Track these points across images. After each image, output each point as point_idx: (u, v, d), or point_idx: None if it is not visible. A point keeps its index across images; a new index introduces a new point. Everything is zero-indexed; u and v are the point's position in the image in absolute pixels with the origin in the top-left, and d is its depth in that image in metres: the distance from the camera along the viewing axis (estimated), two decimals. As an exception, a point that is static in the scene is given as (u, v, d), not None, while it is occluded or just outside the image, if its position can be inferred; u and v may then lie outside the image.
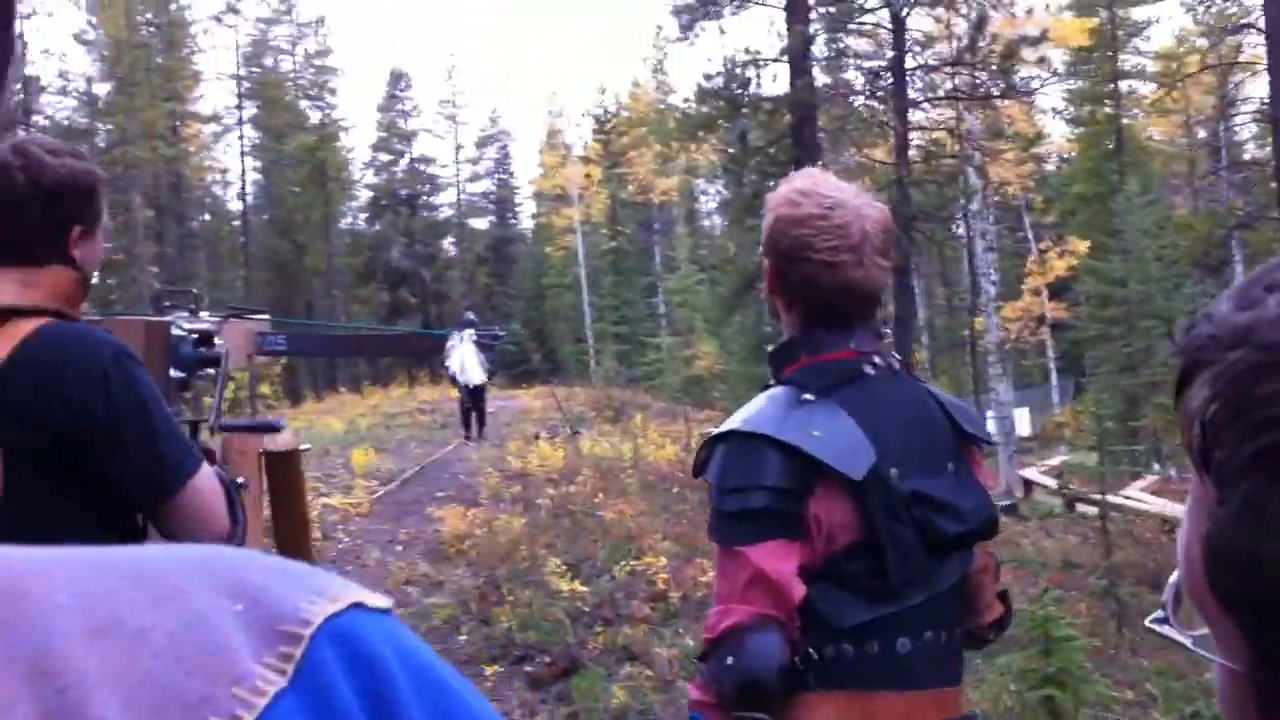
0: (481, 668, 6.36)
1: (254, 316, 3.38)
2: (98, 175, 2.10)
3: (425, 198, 55.50)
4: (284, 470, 3.22)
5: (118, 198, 36.04)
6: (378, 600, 0.50)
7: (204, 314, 3.03)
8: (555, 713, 5.97)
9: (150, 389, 1.99)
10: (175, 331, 2.61)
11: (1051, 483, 15.79)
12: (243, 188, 44.78)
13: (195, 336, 2.68)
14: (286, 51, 47.29)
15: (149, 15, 39.30)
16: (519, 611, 7.35)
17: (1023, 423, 27.89)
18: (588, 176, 49.06)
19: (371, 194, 53.90)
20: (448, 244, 57.18)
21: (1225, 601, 0.54)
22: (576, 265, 47.10)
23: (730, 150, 16.91)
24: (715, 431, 1.95)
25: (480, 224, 59.89)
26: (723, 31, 19.02)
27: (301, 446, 3.36)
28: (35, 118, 33.51)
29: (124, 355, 1.97)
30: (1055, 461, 20.71)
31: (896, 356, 2.01)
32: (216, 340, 2.78)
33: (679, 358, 25.02)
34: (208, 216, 46.58)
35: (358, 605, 0.48)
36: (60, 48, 53.66)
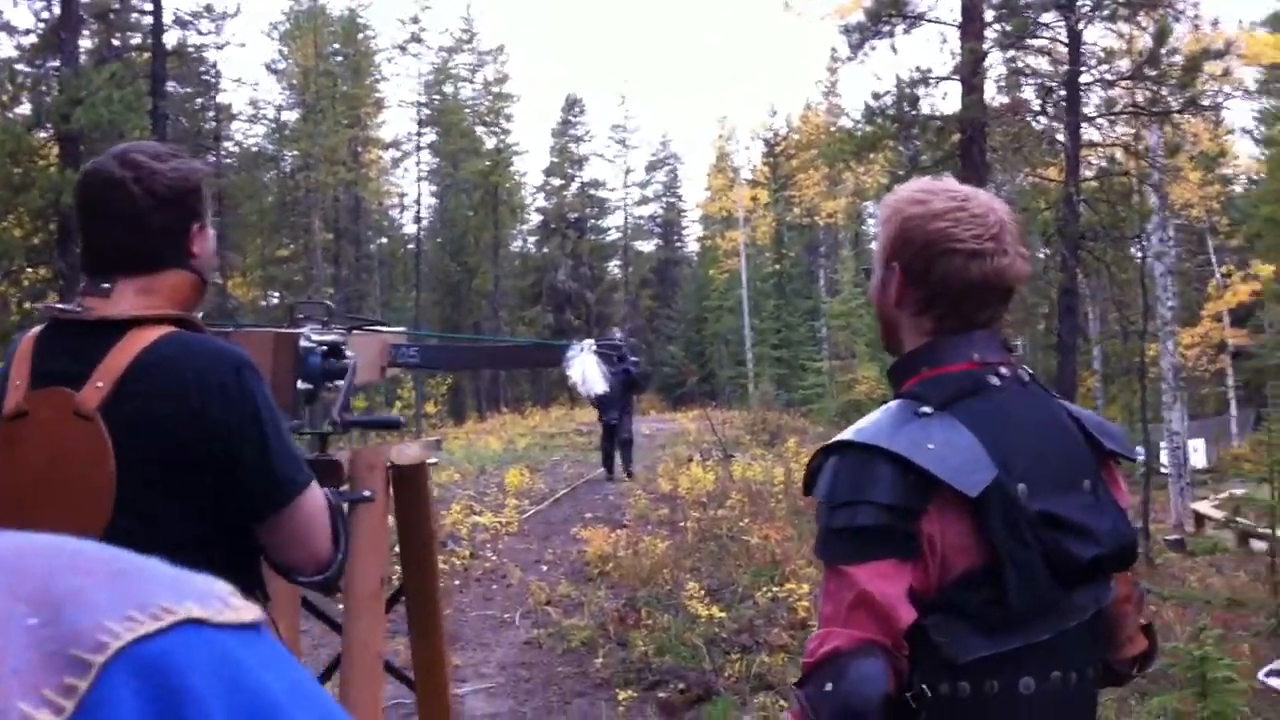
0: (615, 692, 6.34)
1: (384, 329, 3.42)
2: (203, 170, 2.12)
3: (593, 221, 56.32)
4: (411, 484, 3.27)
5: (299, 220, 37.58)
6: (231, 614, 0.43)
7: (334, 326, 3.08)
8: (686, 740, 5.92)
9: (268, 403, 2.00)
10: (304, 343, 2.63)
11: (1223, 517, 14.99)
12: (418, 211, 46.11)
13: (324, 348, 2.70)
14: (466, 79, 48.54)
15: (336, 45, 40.83)
16: (656, 635, 7.30)
17: (1198, 454, 26.60)
18: (754, 199, 49.05)
19: (541, 217, 54.93)
20: (613, 266, 57.88)
21: None
22: (739, 288, 47.02)
23: (900, 171, 16.63)
24: (827, 443, 1.83)
25: (646, 247, 60.45)
26: (894, 50, 18.70)
27: (429, 461, 3.40)
28: (225, 144, 35.18)
29: (245, 367, 1.97)
30: (1228, 495, 19.69)
31: (1026, 368, 1.88)
32: (346, 352, 2.81)
33: (839, 382, 24.76)
34: (384, 240, 48.08)
35: (193, 623, 0.42)
36: (253, 77, 55.97)
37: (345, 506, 2.55)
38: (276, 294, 39.15)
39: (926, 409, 1.74)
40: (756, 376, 40.52)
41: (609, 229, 57.98)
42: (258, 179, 37.37)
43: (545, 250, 53.12)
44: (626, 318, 52.31)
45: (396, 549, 3.54)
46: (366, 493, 2.87)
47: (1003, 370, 1.81)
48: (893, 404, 1.82)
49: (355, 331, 3.16)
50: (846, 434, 1.78)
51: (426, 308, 43.58)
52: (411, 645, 3.40)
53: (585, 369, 4.11)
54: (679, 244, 61.64)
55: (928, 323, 1.85)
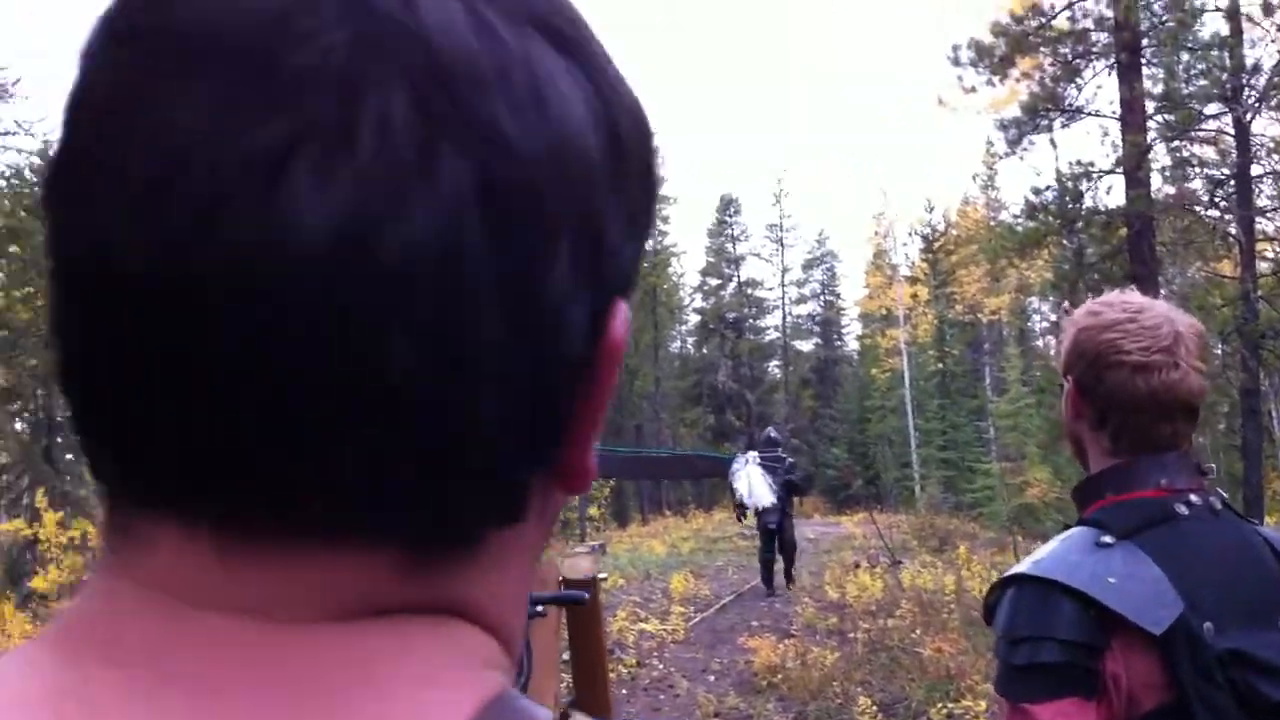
0: (785, 811, 6.15)
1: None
2: None
3: (752, 320, 56.56)
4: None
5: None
6: None
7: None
8: None
9: None
10: None
11: None
12: (578, 315, 47.08)
13: None
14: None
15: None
16: (828, 753, 7.09)
17: None
18: (914, 296, 48.56)
19: (699, 317, 55.38)
20: (773, 366, 57.88)
21: None
22: (902, 387, 46.37)
23: (1065, 266, 16.30)
24: (1005, 574, 1.78)
25: (805, 346, 60.36)
26: (1054, 145, 18.50)
27: (599, 575, 3.39)
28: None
29: None
30: None
31: (1220, 494, 1.79)
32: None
33: (1009, 485, 24.04)
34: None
35: None
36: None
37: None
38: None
39: (1109, 539, 1.68)
40: (923, 479, 39.71)
41: (767, 328, 58.16)
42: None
43: (704, 351, 53.48)
44: (788, 418, 52.07)
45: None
46: (539, 609, 2.86)
47: (1193, 498, 1.73)
48: (1074, 531, 1.76)
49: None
50: (1024, 565, 1.73)
51: (589, 411, 44.11)
52: (584, 767, 3.35)
53: (751, 481, 4.06)
54: (839, 343, 61.33)
55: (1106, 440, 1.79)
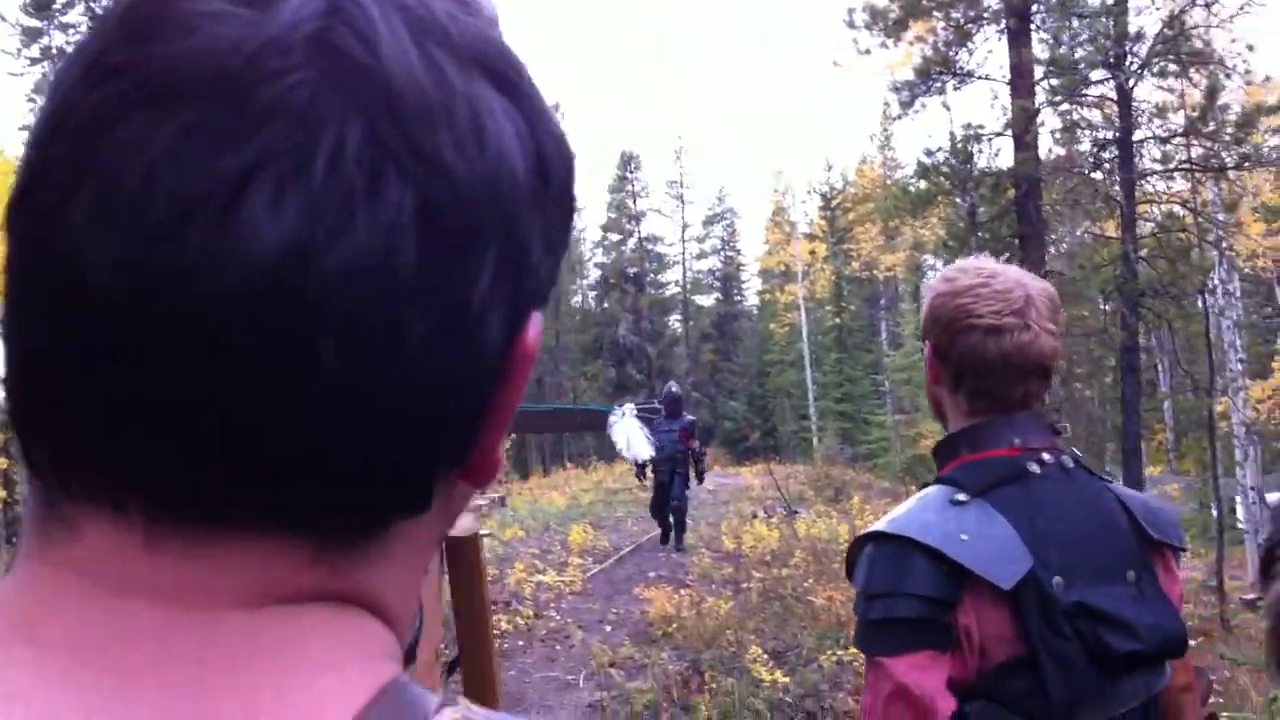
0: (679, 756, 6.29)
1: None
2: None
3: (653, 275, 56.64)
4: (463, 556, 3.29)
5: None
6: None
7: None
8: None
9: None
10: None
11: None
12: (480, 267, 46.68)
13: None
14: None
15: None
16: (720, 700, 7.24)
17: (1277, 508, 25.84)
18: (812, 253, 49.07)
19: (600, 272, 55.32)
20: (674, 321, 58.09)
21: None
22: (800, 342, 46.95)
23: (960, 224, 16.58)
24: (862, 533, 1.83)
25: (706, 301, 60.63)
26: (946, 107, 18.79)
27: (481, 532, 3.43)
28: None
29: None
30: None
31: (1073, 452, 1.85)
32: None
33: (903, 436, 24.55)
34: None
35: None
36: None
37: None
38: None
39: (962, 496, 1.73)
40: (820, 431, 40.32)
41: (668, 283, 58.30)
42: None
43: (605, 305, 53.46)
44: (689, 372, 52.37)
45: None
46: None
47: (1045, 456, 1.79)
48: (930, 490, 1.81)
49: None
50: (881, 524, 1.78)
51: (489, 364, 43.85)
52: (471, 715, 3.41)
53: (630, 435, 4.10)
54: (739, 298, 61.75)
55: (963, 402, 1.85)
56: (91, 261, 0.39)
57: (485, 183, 0.44)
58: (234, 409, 0.40)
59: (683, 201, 58.29)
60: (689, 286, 58.97)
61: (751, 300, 62.02)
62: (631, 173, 56.60)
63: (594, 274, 56.04)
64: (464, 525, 3.35)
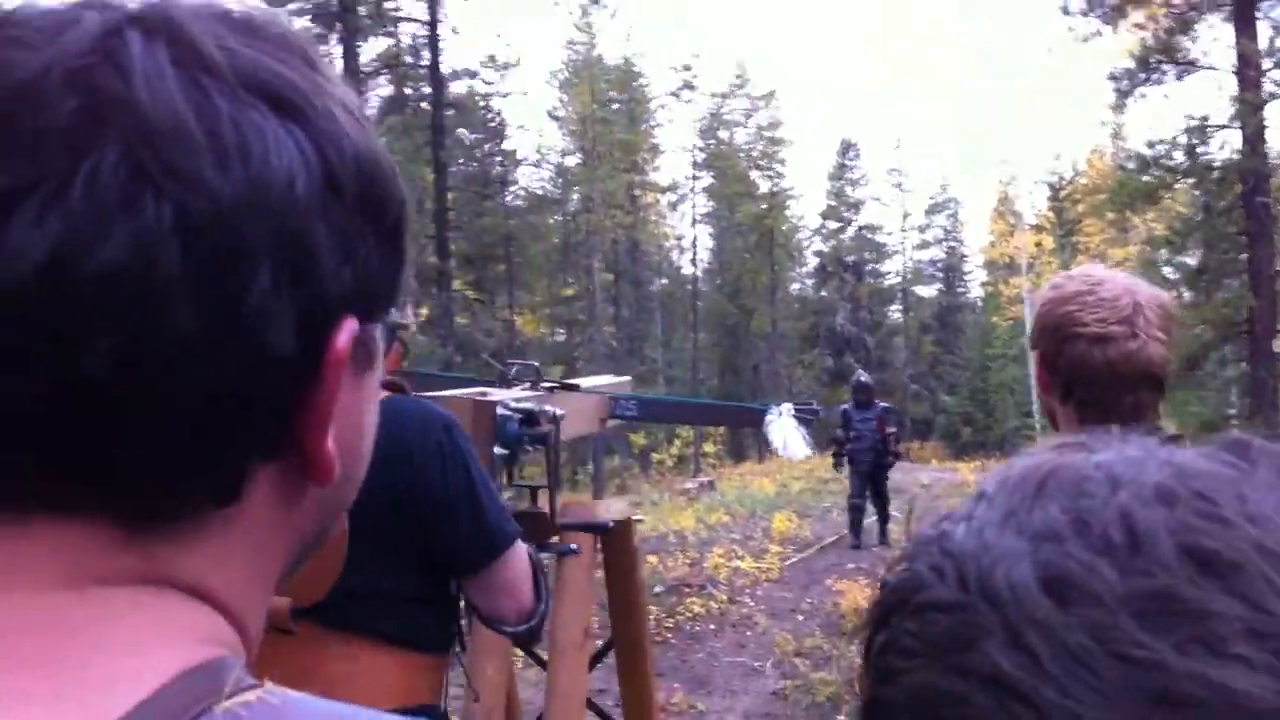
0: (856, 751, 6.20)
1: (586, 390, 3.51)
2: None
3: (872, 265, 55.75)
4: (617, 541, 3.34)
5: (581, 261, 38.89)
6: None
7: (542, 384, 3.19)
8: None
9: (476, 460, 2.08)
10: (501, 411, 2.72)
11: None
12: (694, 254, 46.93)
13: (520, 416, 2.78)
14: (739, 124, 49.25)
15: (612, 93, 42.18)
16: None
17: None
18: (1039, 245, 47.30)
19: (818, 260, 54.78)
20: (893, 311, 57.03)
21: None
22: (1023, 335, 45.31)
23: (1178, 221, 15.79)
24: None
25: (927, 291, 59.26)
26: (1166, 97, 17.89)
27: (635, 517, 3.47)
28: (512, 188, 36.87)
29: (453, 426, 2.06)
30: None
31: None
32: (547, 415, 2.88)
33: (1128, 434, 23.39)
34: (664, 281, 49.03)
35: None
36: (537, 124, 58.68)
37: (552, 559, 2.59)
38: (562, 331, 40.58)
39: None
40: (1043, 428, 38.87)
41: (888, 273, 57.25)
42: (543, 221, 38.81)
43: (823, 294, 52.90)
44: (908, 363, 51.38)
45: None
46: (574, 545, 2.96)
47: None
48: None
49: (569, 391, 3.27)
50: None
51: (705, 348, 44.12)
52: (621, 695, 3.47)
53: (787, 435, 4.06)
54: (962, 290, 60.07)
55: (1074, 412, 1.81)
56: None
57: (251, 195, 0.47)
58: (16, 405, 0.45)
59: (902, 190, 57.14)
60: (909, 277, 57.76)
61: (976, 292, 60.30)
62: (850, 160, 55.79)
63: (811, 262, 55.52)
64: (617, 510, 3.40)
